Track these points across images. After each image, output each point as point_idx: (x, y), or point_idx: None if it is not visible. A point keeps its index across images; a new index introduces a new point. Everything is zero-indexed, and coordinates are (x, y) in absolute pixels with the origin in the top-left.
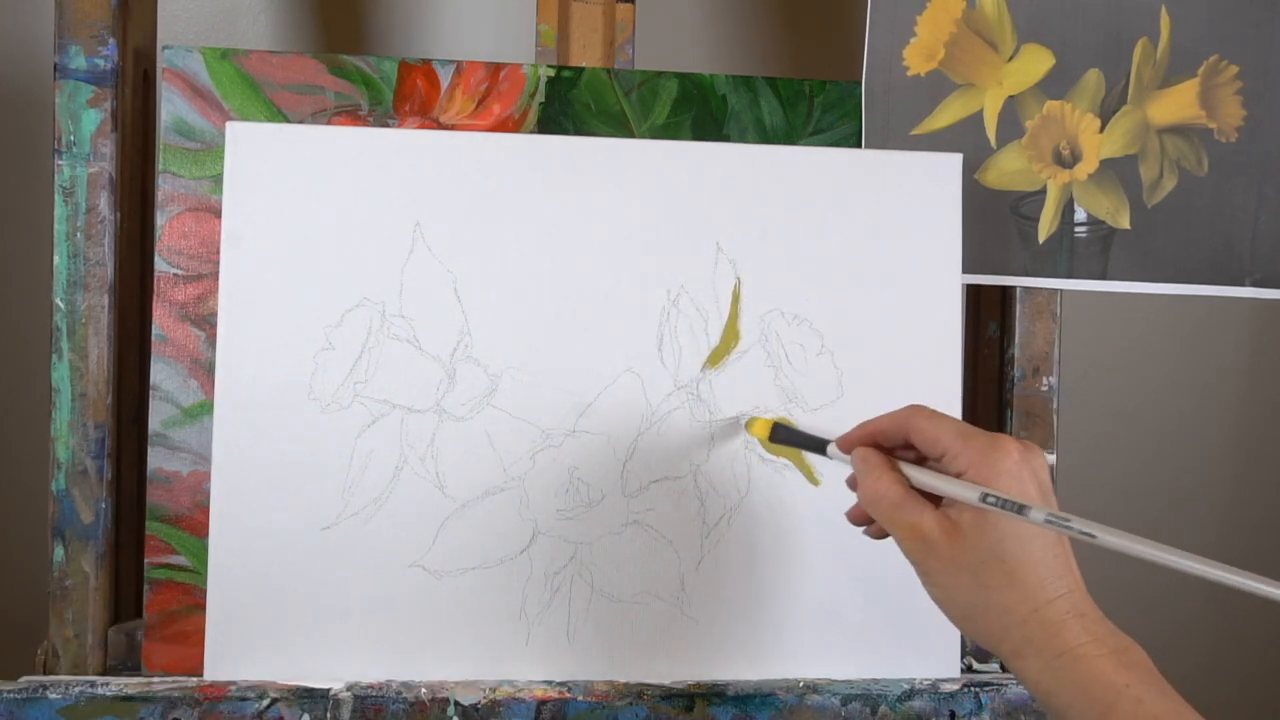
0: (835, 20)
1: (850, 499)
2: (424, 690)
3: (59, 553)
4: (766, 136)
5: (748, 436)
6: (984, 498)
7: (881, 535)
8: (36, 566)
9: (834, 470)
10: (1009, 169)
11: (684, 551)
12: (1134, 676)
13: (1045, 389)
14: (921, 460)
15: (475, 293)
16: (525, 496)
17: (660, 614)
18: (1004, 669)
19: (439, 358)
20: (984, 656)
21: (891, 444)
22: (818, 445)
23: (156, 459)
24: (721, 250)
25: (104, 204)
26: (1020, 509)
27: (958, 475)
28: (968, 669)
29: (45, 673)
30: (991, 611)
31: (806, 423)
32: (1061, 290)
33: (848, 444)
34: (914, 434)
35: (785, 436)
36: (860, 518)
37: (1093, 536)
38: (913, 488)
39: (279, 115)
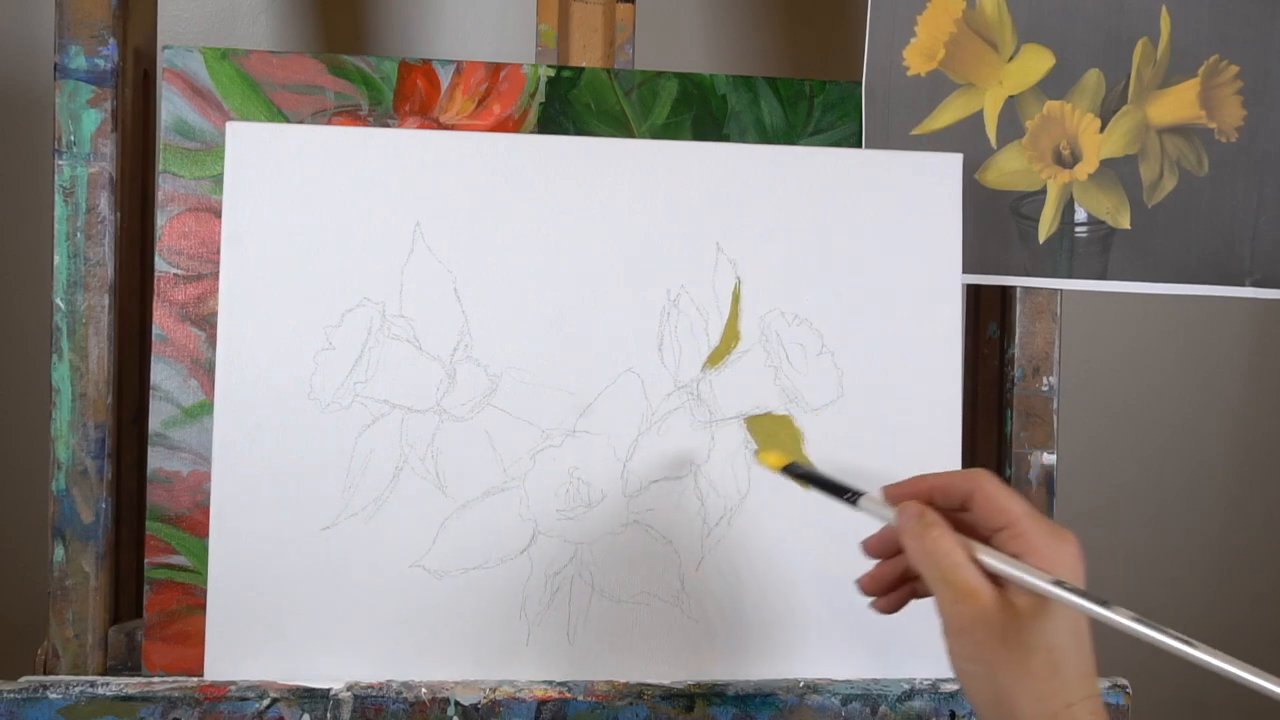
0: (835, 20)
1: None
2: (424, 690)
3: (59, 553)
4: (766, 136)
5: (746, 436)
6: (1060, 584)
7: (894, 608)
8: (36, 566)
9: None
10: (1009, 169)
11: (684, 551)
12: None
13: (1045, 389)
14: (964, 527)
15: (475, 293)
16: (525, 496)
17: (660, 614)
18: None
19: (439, 358)
20: None
21: (946, 504)
22: (845, 493)
23: (156, 459)
24: (721, 250)
25: (104, 204)
26: (1104, 604)
27: (1014, 554)
28: None
29: (45, 673)
30: (1026, 697)
31: (807, 423)
32: (1061, 290)
33: (897, 496)
34: (980, 498)
35: (805, 475)
36: (877, 586)
37: (1189, 645)
38: (973, 556)
39: (279, 115)
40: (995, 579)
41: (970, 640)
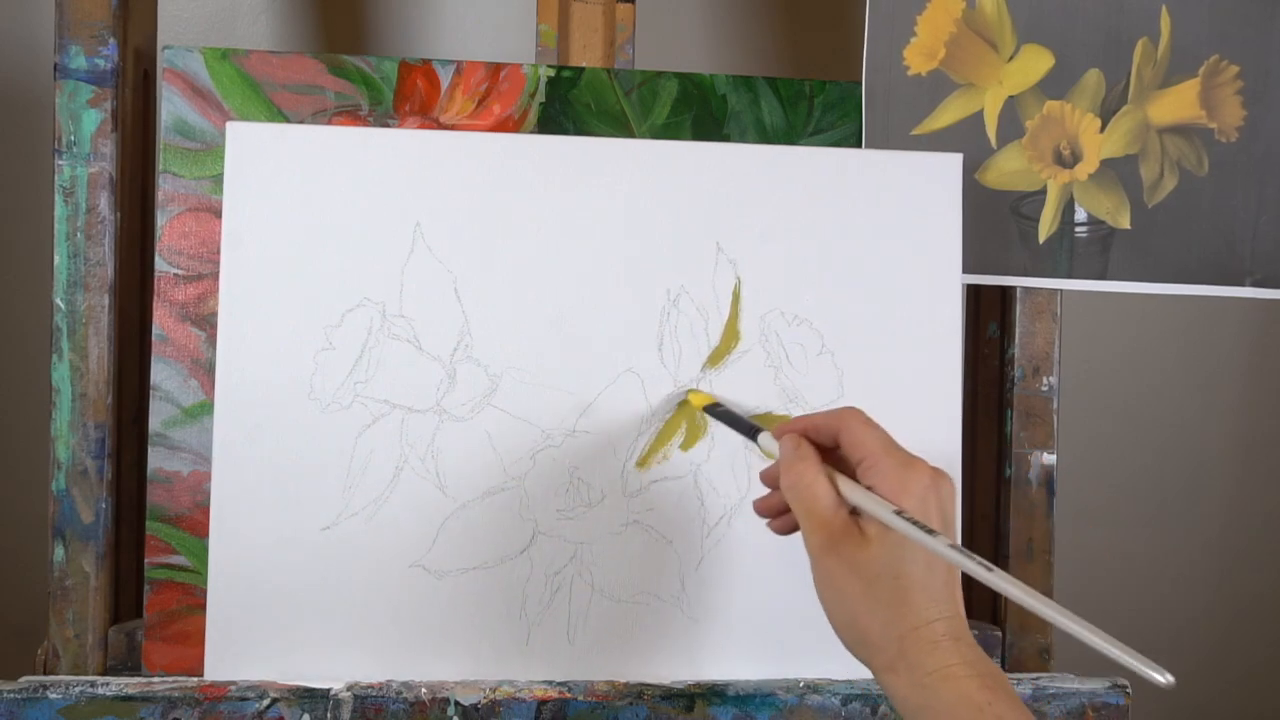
0: (835, 20)
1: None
2: (424, 690)
3: (59, 553)
4: (766, 136)
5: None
6: (898, 513)
7: (786, 530)
8: (36, 566)
9: None
10: (1009, 169)
11: (684, 551)
12: (996, 696)
13: (1045, 389)
14: (840, 466)
15: (475, 293)
16: (525, 496)
17: (660, 614)
18: (1004, 668)
19: (439, 358)
20: None
21: (821, 441)
22: (750, 430)
23: (156, 459)
24: (721, 250)
25: (104, 204)
26: (930, 532)
27: (869, 486)
28: None
29: (45, 673)
30: (875, 623)
31: None
32: (1061, 290)
33: (781, 433)
34: (844, 434)
35: (721, 414)
36: (768, 509)
37: (989, 570)
38: (836, 488)
39: (279, 115)
40: (857, 512)
41: (824, 566)
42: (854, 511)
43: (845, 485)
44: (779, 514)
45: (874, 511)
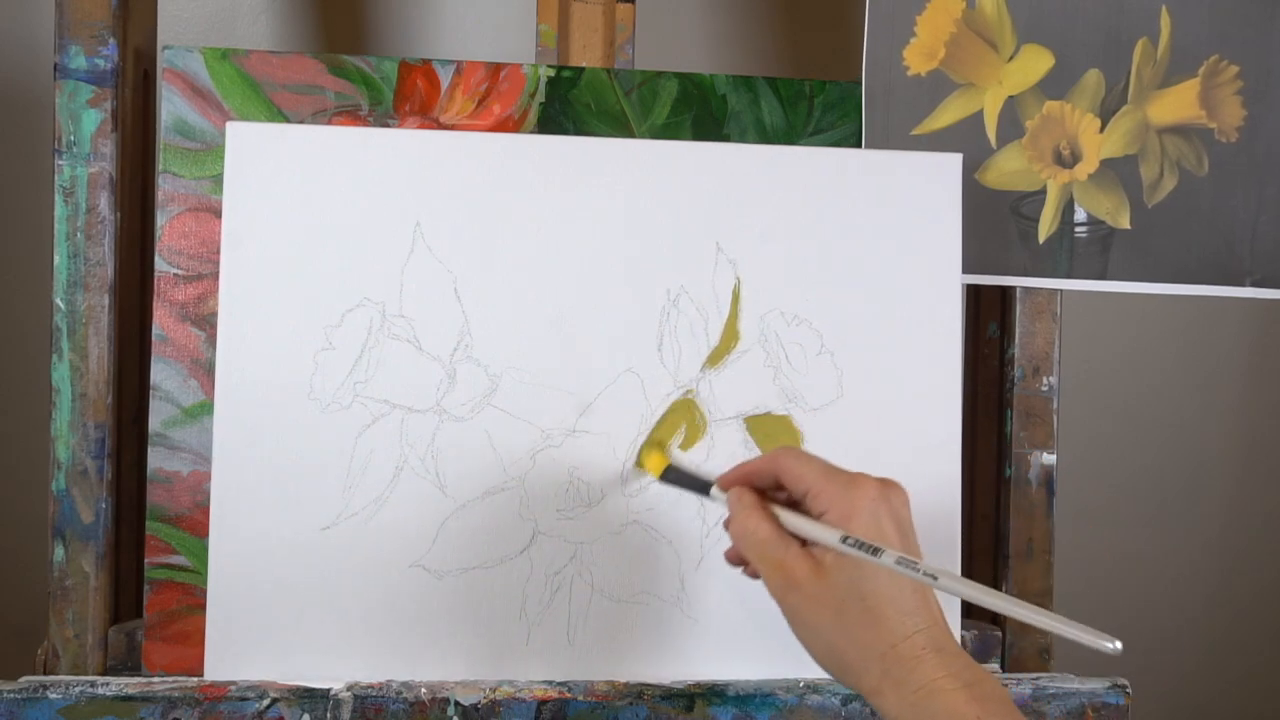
0: (835, 20)
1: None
2: (424, 690)
3: (59, 553)
4: (766, 136)
5: (746, 436)
6: (844, 539)
7: (757, 575)
8: (36, 566)
9: None
10: (1009, 169)
11: (684, 551)
12: (985, 708)
13: (1045, 389)
14: (794, 502)
15: (475, 293)
16: (525, 496)
17: (660, 614)
18: (1003, 669)
19: (439, 358)
20: (984, 657)
21: (765, 485)
22: (702, 487)
23: (156, 459)
24: (721, 250)
25: (104, 204)
26: (874, 551)
27: (820, 514)
28: None
29: (45, 673)
30: (852, 648)
31: (806, 423)
32: (1061, 290)
33: (725, 484)
34: (782, 474)
35: (674, 478)
36: (736, 558)
37: (934, 579)
38: (782, 527)
39: (279, 115)
40: (805, 541)
41: (789, 605)
42: (806, 544)
43: (788, 520)
44: (745, 560)
45: (820, 539)
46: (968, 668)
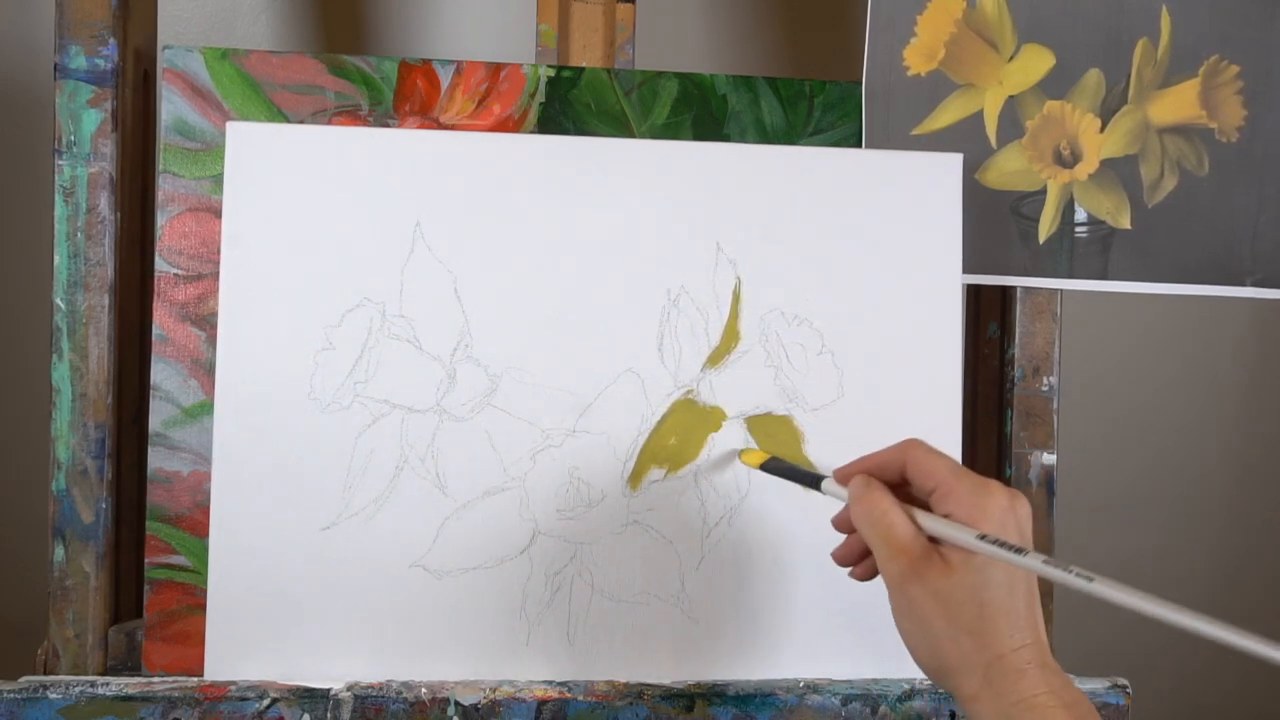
0: (835, 20)
1: (836, 539)
2: (424, 690)
3: (59, 553)
4: (766, 136)
5: (747, 436)
6: (981, 537)
7: (868, 576)
8: (36, 566)
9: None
10: (1009, 169)
11: (684, 551)
12: None
13: (1045, 389)
14: (909, 502)
15: (475, 293)
16: (525, 496)
17: (660, 614)
18: None
19: (439, 358)
20: None
21: (887, 477)
22: (812, 480)
23: (156, 459)
24: (721, 250)
25: (104, 204)
26: (1018, 551)
27: (946, 514)
28: None
29: (45, 673)
30: (957, 652)
31: (806, 423)
32: (1061, 290)
33: (845, 475)
34: (911, 465)
35: (778, 469)
36: (848, 557)
37: (1090, 579)
38: (912, 516)
39: (279, 115)
40: (935, 541)
41: (906, 596)
42: (931, 540)
43: (922, 516)
44: (859, 559)
45: (956, 537)
46: (1067, 687)
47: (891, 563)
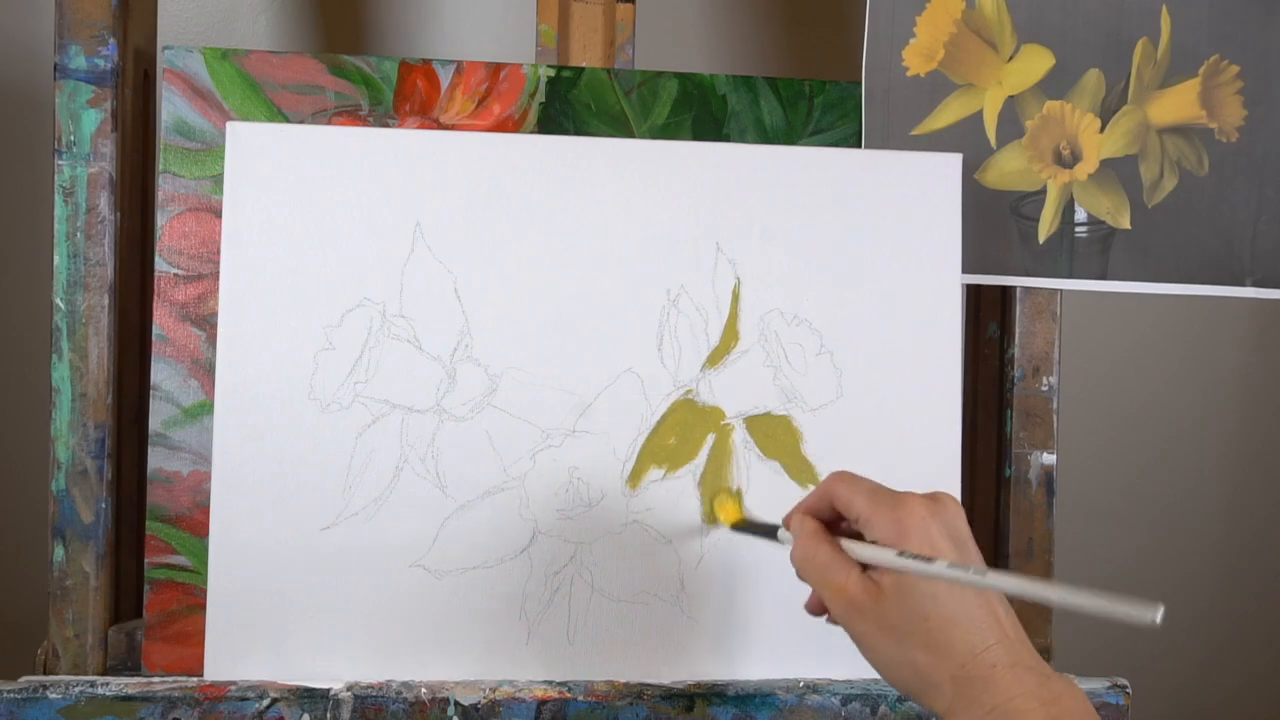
0: (835, 20)
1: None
2: (424, 690)
3: (59, 553)
4: (766, 136)
5: (747, 437)
6: (900, 554)
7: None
8: (36, 566)
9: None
10: (1009, 169)
11: (684, 551)
12: None
13: (1045, 389)
14: (853, 532)
15: (475, 293)
16: (525, 496)
17: (660, 614)
18: None
19: (439, 358)
20: None
21: (826, 515)
22: (770, 531)
23: (156, 459)
24: (721, 250)
25: (104, 204)
26: (928, 560)
27: (874, 539)
28: None
29: (45, 673)
30: (920, 671)
31: (806, 423)
32: (1061, 290)
33: (787, 520)
34: (835, 500)
35: (746, 528)
36: (815, 606)
37: (984, 574)
38: (843, 552)
39: (279, 115)
40: (869, 569)
41: (855, 632)
42: (868, 569)
43: (847, 545)
44: (824, 609)
45: (880, 559)
46: (1044, 685)
47: (834, 604)
